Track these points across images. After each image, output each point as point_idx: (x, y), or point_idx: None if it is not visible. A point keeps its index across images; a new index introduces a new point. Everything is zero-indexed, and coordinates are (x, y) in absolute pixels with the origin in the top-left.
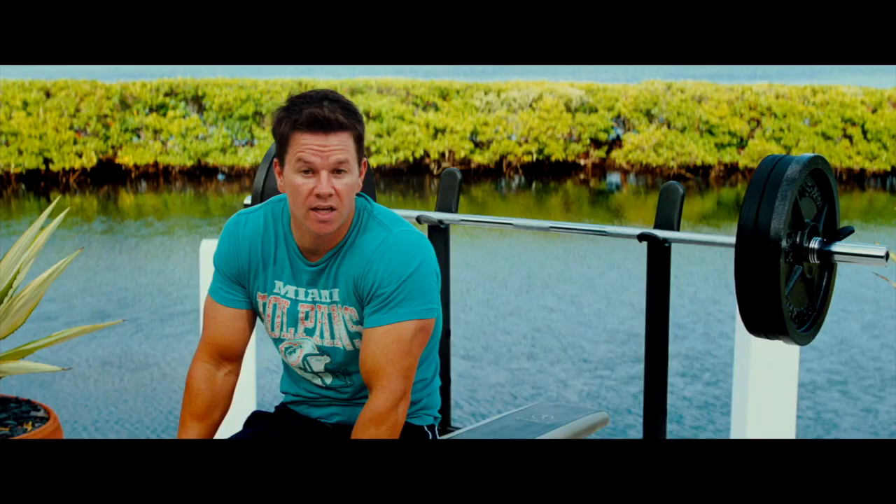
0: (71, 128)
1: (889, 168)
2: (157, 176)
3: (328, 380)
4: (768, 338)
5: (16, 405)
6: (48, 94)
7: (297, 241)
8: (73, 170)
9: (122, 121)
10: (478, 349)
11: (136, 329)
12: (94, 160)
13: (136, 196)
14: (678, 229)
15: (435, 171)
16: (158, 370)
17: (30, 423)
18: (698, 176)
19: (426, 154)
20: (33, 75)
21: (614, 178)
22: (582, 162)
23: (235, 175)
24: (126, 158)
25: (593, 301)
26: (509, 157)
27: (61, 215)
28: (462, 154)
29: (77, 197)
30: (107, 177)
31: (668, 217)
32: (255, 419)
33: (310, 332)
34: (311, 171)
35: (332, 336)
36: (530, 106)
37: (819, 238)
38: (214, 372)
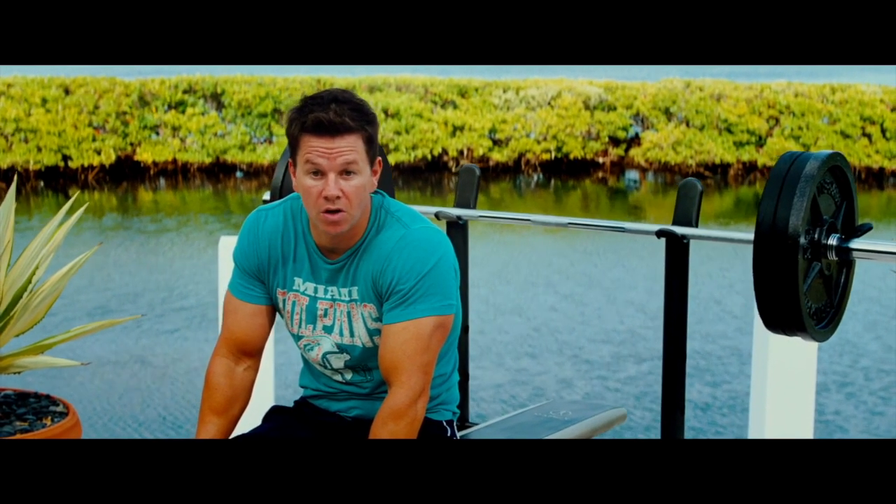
0: (90, 125)
1: None
2: (176, 173)
3: (348, 375)
4: (786, 334)
5: (35, 400)
6: (67, 92)
7: (315, 240)
8: (91, 167)
9: (141, 118)
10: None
11: (136, 325)
12: (113, 157)
13: (155, 193)
14: (696, 226)
15: (453, 169)
16: (157, 366)
17: (49, 417)
18: (717, 174)
19: (444, 152)
20: (52, 72)
21: (633, 175)
22: (600, 160)
23: (254, 172)
24: (145, 155)
25: (594, 299)
26: (528, 155)
27: (80, 210)
28: (480, 152)
29: (96, 194)
30: (125, 174)
31: (686, 214)
32: (275, 413)
33: (328, 330)
34: (319, 172)
35: (352, 334)
36: (549, 104)
37: (837, 235)
38: (234, 367)
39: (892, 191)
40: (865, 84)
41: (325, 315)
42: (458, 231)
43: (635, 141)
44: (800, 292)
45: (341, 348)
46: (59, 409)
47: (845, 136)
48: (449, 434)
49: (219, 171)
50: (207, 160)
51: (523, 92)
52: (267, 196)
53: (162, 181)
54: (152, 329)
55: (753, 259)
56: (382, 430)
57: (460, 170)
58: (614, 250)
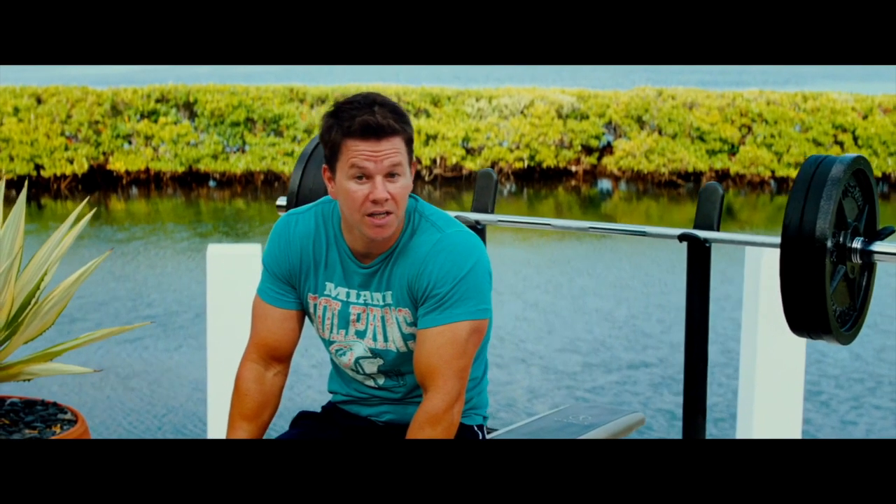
0: (62, 134)
1: (880, 174)
2: (149, 182)
3: (380, 380)
4: (811, 337)
5: (42, 407)
6: (39, 101)
7: (348, 244)
8: (64, 176)
9: (114, 127)
10: None
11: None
12: (86, 166)
13: (127, 202)
14: (718, 229)
15: (426, 178)
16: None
17: (58, 425)
18: (689, 182)
19: (418, 160)
20: (24, 81)
21: (605, 184)
22: (573, 168)
23: (227, 181)
24: (117, 165)
25: (562, 308)
26: (501, 164)
27: (88, 216)
28: (454, 160)
29: (69, 203)
30: (98, 183)
31: (707, 217)
32: (303, 419)
33: (361, 335)
34: (365, 176)
35: (385, 338)
36: (521, 112)
37: (861, 238)
38: (263, 372)
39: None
40: (837, 92)
41: (358, 320)
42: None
43: (608, 149)
44: (827, 295)
45: (374, 353)
46: (68, 416)
47: (818, 143)
48: (480, 438)
49: (191, 181)
50: (180, 169)
51: (496, 101)
52: (282, 202)
53: (134, 190)
54: (118, 338)
55: (780, 262)
56: (419, 434)
57: (478, 174)
58: (582, 257)
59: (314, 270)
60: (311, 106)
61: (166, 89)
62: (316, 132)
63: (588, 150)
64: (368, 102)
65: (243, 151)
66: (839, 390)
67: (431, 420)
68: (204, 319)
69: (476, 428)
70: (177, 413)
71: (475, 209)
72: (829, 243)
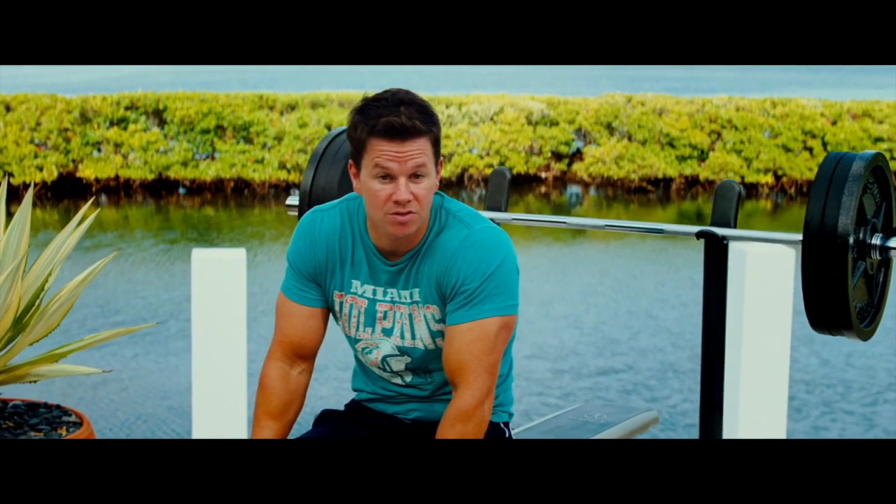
0: (31, 141)
1: None
2: (118, 189)
3: (408, 378)
4: (831, 333)
5: (46, 410)
6: (8, 108)
7: (374, 242)
8: (33, 183)
9: (83, 134)
10: None
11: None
12: (55, 174)
13: (97, 210)
14: (735, 227)
15: None
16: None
17: (63, 427)
18: (659, 188)
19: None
20: None
21: (575, 190)
22: (543, 175)
23: (196, 189)
24: (87, 172)
25: (530, 313)
26: (471, 170)
27: (91, 217)
28: None
29: (38, 210)
30: (67, 190)
31: (724, 215)
32: (326, 417)
33: (388, 332)
34: (388, 176)
35: (413, 336)
36: (491, 119)
37: (880, 234)
38: (288, 370)
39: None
40: (805, 98)
41: (385, 318)
42: None
43: (578, 156)
44: (849, 291)
45: (402, 351)
46: (72, 419)
47: (787, 149)
48: (507, 436)
49: (161, 188)
50: (150, 176)
51: (465, 107)
52: (293, 200)
53: (104, 197)
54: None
55: (802, 259)
56: (450, 431)
57: (491, 173)
58: (552, 262)
59: (340, 268)
60: (281, 113)
61: (136, 97)
62: (287, 138)
63: (558, 156)
64: (395, 101)
65: (213, 158)
66: (810, 396)
67: (462, 416)
68: (169, 327)
69: (502, 425)
70: (147, 421)
71: (489, 207)
72: (850, 239)
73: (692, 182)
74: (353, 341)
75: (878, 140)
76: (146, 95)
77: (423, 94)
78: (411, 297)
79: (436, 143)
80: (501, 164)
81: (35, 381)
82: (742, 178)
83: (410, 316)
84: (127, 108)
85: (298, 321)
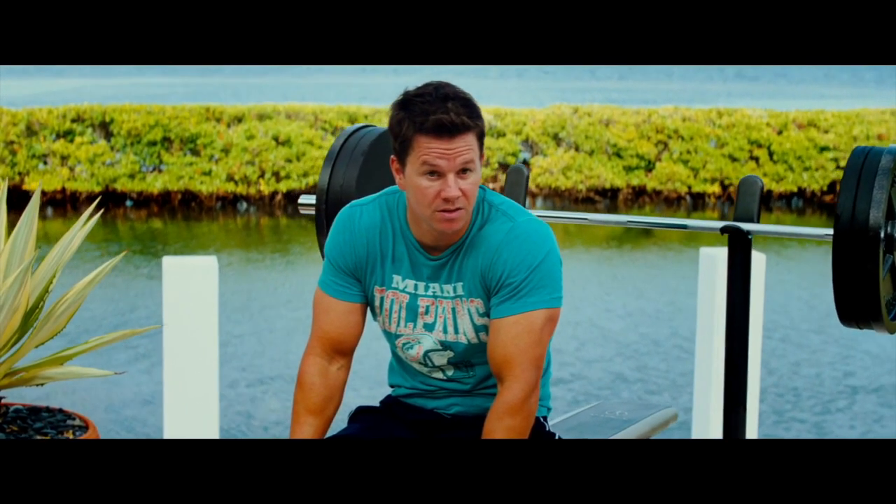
0: None
1: (795, 189)
2: (65, 202)
3: (449, 372)
4: (860, 327)
5: (49, 414)
6: None
7: (416, 236)
8: (40, 186)
9: (29, 147)
10: None
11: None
12: (1, 187)
13: (43, 222)
14: (758, 221)
15: None
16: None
17: (69, 431)
18: (607, 199)
19: None
20: None
21: None
22: (491, 186)
23: (143, 201)
24: (33, 185)
25: None
26: None
27: (93, 220)
28: None
29: None
30: (14, 203)
31: (748, 210)
32: (362, 413)
33: (429, 327)
34: (436, 173)
35: (456, 330)
36: None
37: None
38: (327, 366)
39: (779, 213)
40: (751, 108)
41: (427, 312)
42: None
43: (525, 166)
44: (880, 285)
45: (445, 345)
46: (77, 422)
47: (733, 159)
48: (546, 429)
49: (108, 201)
50: (97, 189)
51: None
52: (307, 199)
53: (50, 210)
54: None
55: (833, 252)
56: (498, 425)
57: (508, 170)
58: None
59: (381, 263)
60: (228, 125)
61: (82, 109)
62: (235, 150)
63: (505, 167)
64: (441, 97)
65: (160, 171)
66: (761, 404)
67: (511, 410)
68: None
69: (542, 419)
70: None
71: None
72: (882, 233)
73: (639, 192)
74: (392, 337)
75: (824, 149)
76: (92, 108)
77: (370, 106)
78: (455, 291)
79: (480, 137)
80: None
81: (42, 384)
82: (689, 187)
83: (454, 310)
84: (73, 121)
85: (337, 317)
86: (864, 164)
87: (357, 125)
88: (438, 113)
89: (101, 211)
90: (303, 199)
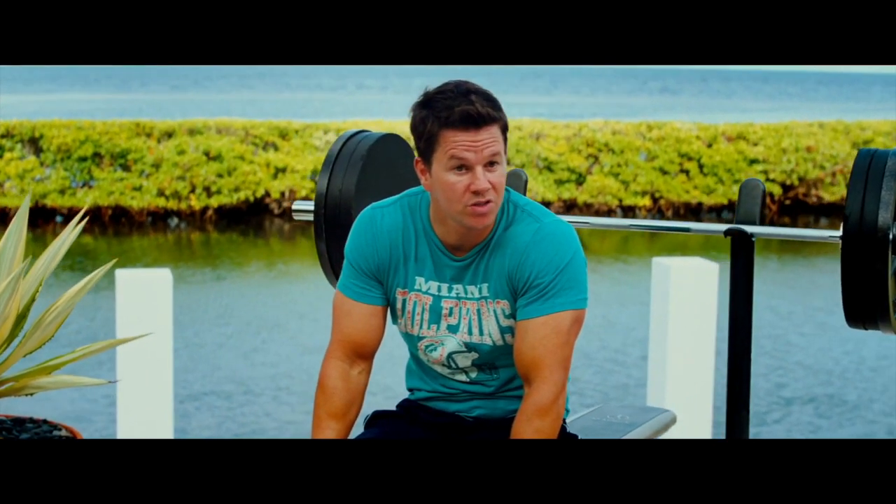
0: None
1: (725, 202)
2: None
3: (473, 374)
4: (866, 328)
5: (33, 425)
6: None
7: (440, 237)
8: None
9: None
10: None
11: None
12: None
13: (88, 217)
14: (760, 224)
15: (276, 211)
16: None
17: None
18: None
19: (267, 193)
20: None
21: None
22: None
23: (73, 217)
24: None
25: None
26: None
27: (78, 227)
28: (303, 193)
29: None
30: None
31: (750, 212)
32: (379, 418)
33: (453, 329)
34: (465, 167)
35: (481, 332)
36: None
37: None
38: (348, 370)
39: (710, 225)
40: (680, 121)
41: (450, 314)
42: None
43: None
44: (889, 286)
45: (469, 347)
46: (63, 433)
47: (664, 172)
48: (568, 431)
49: (37, 216)
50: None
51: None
52: (302, 205)
53: None
54: None
55: (842, 254)
56: (527, 427)
57: (508, 174)
58: None
59: (404, 265)
60: (159, 140)
61: (11, 125)
62: (165, 165)
63: None
64: (463, 91)
65: (90, 186)
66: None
67: (540, 411)
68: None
69: (564, 421)
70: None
71: None
72: (890, 234)
73: (570, 205)
74: (415, 339)
75: (753, 162)
76: (22, 123)
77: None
78: (480, 292)
79: (505, 130)
80: None
81: (32, 394)
82: (620, 200)
83: (479, 311)
84: (2, 136)
85: (359, 320)
86: (870, 165)
87: (353, 130)
88: (463, 105)
89: (88, 218)
90: (297, 206)
